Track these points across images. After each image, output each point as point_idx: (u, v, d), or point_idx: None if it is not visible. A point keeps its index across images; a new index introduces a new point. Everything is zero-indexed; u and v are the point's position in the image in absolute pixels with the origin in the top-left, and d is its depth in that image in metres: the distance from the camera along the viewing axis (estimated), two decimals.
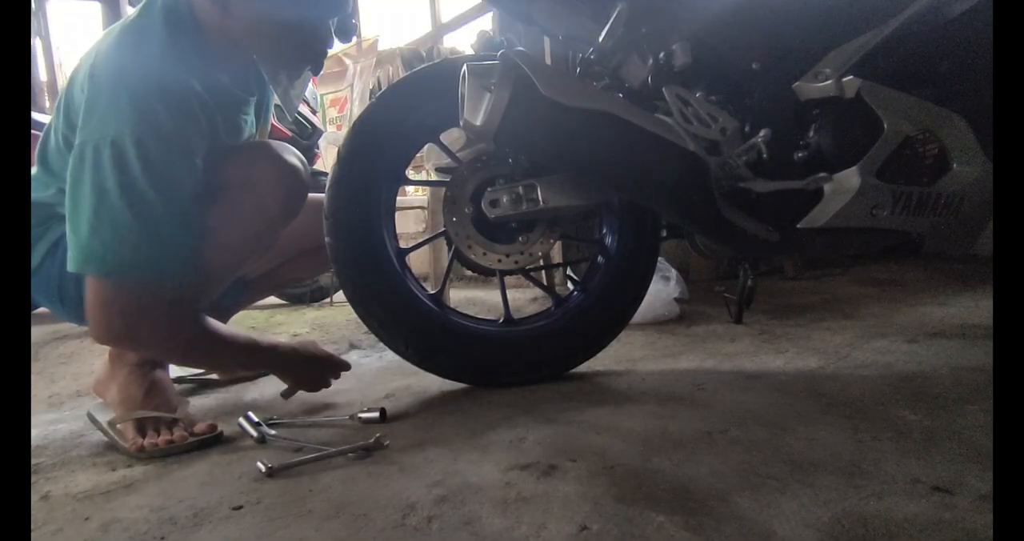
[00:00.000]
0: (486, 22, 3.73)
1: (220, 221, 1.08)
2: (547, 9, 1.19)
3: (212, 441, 1.04)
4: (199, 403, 1.32)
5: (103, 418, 1.08)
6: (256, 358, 1.19)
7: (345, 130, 1.30)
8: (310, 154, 2.65)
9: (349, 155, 1.21)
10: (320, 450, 0.93)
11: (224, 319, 1.52)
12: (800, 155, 1.16)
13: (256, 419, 1.06)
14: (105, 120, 0.95)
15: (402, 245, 1.29)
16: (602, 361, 1.38)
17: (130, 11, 1.08)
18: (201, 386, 1.45)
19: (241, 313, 2.28)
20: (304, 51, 1.15)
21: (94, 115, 0.96)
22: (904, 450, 0.83)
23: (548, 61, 2.22)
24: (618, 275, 1.31)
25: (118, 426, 1.04)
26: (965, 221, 1.19)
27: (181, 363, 1.22)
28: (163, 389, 1.10)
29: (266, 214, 1.11)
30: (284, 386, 1.23)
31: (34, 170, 1.10)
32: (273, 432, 1.03)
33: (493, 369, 1.25)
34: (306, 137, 2.59)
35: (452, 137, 1.43)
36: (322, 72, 1.52)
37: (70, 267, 0.97)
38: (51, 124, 1.09)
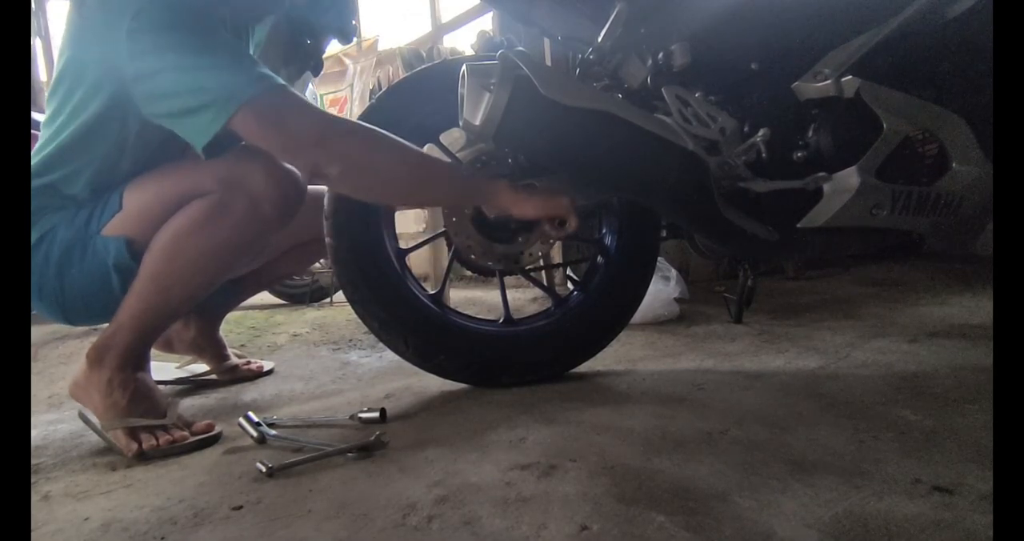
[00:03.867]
0: (486, 22, 3.72)
1: (212, 223, 1.05)
2: (546, 9, 1.19)
3: (212, 440, 1.04)
4: (199, 403, 1.32)
5: (95, 420, 1.07)
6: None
7: None
8: None
9: None
10: (320, 450, 0.93)
11: (218, 318, 1.52)
12: (799, 155, 1.16)
13: (256, 419, 1.06)
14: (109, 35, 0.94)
15: (402, 245, 1.29)
16: (602, 361, 1.38)
17: None
18: (201, 386, 1.45)
19: (240, 314, 2.29)
20: (294, 50, 1.14)
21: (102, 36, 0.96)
22: (904, 450, 0.83)
23: (548, 62, 2.22)
24: (618, 275, 1.31)
25: (108, 434, 1.03)
26: (965, 221, 1.19)
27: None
28: (147, 392, 1.06)
29: (261, 218, 1.07)
30: (287, 386, 1.22)
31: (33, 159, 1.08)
32: (273, 432, 1.03)
33: (493, 369, 1.25)
34: None
35: (452, 137, 1.42)
36: (322, 72, 1.52)
37: (211, 132, 0.94)
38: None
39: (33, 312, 1.08)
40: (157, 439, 1.01)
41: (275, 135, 0.97)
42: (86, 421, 1.08)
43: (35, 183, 1.06)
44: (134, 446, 0.99)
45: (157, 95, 0.96)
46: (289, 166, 1.10)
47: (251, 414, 1.07)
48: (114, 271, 1.06)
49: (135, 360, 1.08)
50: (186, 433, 1.03)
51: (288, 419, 1.12)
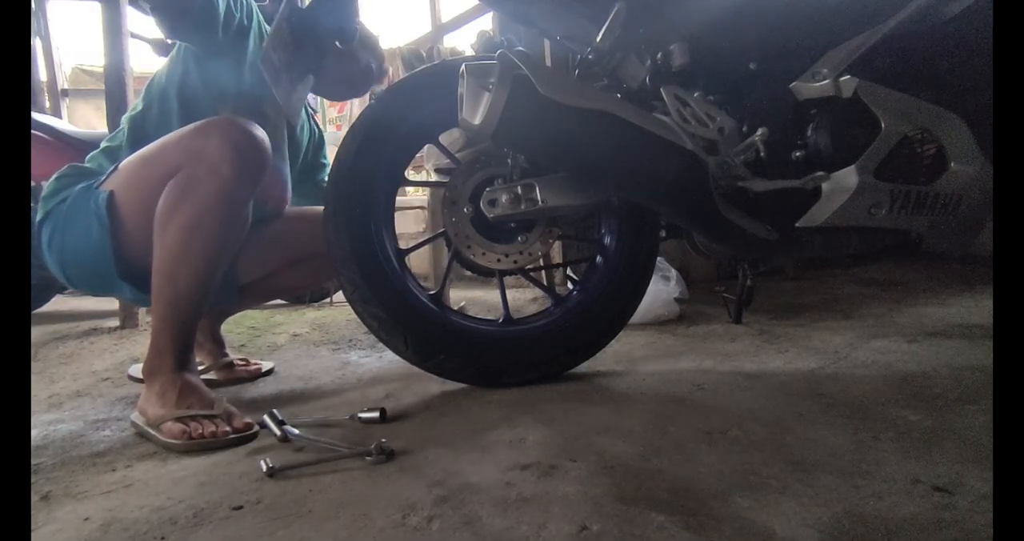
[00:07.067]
0: (486, 22, 3.72)
1: (185, 199, 1.08)
2: (545, 10, 1.19)
3: (249, 438, 1.04)
4: None
5: (148, 429, 1.08)
6: None
7: (345, 130, 1.30)
8: None
9: (348, 156, 1.21)
10: (335, 450, 0.93)
11: (220, 316, 1.52)
12: (798, 154, 1.16)
13: (281, 417, 1.06)
14: None
15: (402, 245, 1.30)
16: (602, 361, 1.38)
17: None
18: None
19: (240, 313, 2.28)
20: (297, 53, 1.25)
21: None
22: (904, 450, 0.83)
23: (548, 62, 2.22)
24: (617, 275, 1.31)
25: (162, 427, 1.05)
26: (963, 220, 1.19)
27: None
28: (194, 388, 1.10)
29: (222, 179, 1.08)
30: (287, 386, 1.22)
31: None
32: (296, 431, 1.03)
33: (493, 369, 1.25)
34: None
35: (451, 138, 1.43)
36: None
37: None
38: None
39: (45, 314, 1.09)
40: (203, 428, 1.03)
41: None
42: (140, 430, 1.10)
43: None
44: (183, 432, 1.02)
45: None
46: (243, 123, 1.13)
47: (276, 412, 1.07)
48: (95, 218, 1.15)
49: (179, 362, 1.12)
50: (228, 428, 1.04)
51: (288, 419, 1.12)
